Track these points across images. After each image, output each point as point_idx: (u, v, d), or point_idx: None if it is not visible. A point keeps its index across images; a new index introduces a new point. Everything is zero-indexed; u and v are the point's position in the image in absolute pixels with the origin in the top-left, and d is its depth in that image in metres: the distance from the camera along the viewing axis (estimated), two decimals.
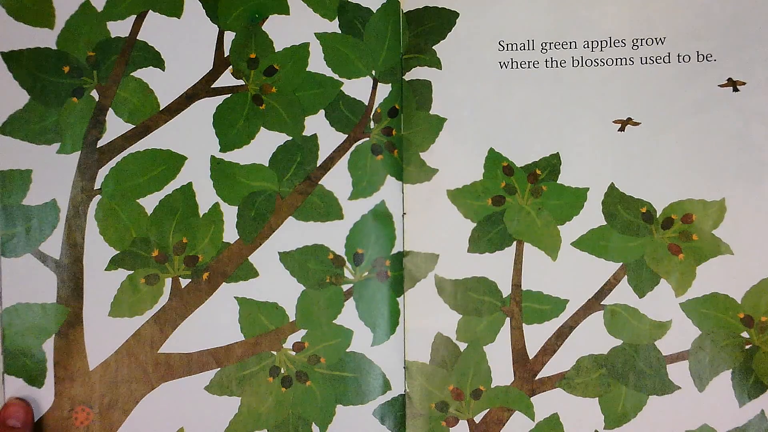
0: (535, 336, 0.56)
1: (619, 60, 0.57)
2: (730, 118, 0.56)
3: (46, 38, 0.57)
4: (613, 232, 0.56)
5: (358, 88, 0.58)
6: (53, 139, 0.57)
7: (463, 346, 0.56)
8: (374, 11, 0.58)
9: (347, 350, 0.57)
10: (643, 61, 0.57)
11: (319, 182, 0.58)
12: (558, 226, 0.57)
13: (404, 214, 0.57)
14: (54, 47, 0.57)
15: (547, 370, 0.56)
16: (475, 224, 0.57)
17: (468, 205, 0.57)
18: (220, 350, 0.57)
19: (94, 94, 0.58)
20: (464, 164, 0.57)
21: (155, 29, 0.58)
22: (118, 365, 0.56)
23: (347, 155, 0.58)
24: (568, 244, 0.56)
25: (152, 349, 0.57)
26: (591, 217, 0.56)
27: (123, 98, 0.58)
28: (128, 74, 0.58)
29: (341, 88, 0.58)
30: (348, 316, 0.57)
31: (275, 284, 0.57)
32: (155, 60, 0.58)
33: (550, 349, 0.56)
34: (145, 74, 0.58)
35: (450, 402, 0.56)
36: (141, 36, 0.58)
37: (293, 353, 0.57)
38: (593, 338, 0.56)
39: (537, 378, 0.56)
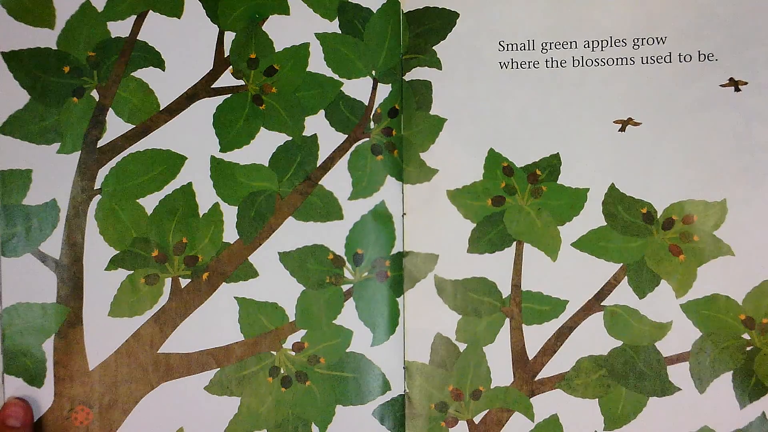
0: (535, 337, 0.56)
1: (619, 60, 0.57)
2: (732, 119, 0.56)
3: (46, 38, 0.57)
4: (613, 232, 0.56)
5: (358, 88, 0.58)
6: (53, 139, 0.57)
7: (462, 346, 0.56)
8: (374, 11, 0.58)
9: (347, 350, 0.57)
10: (644, 60, 0.57)
11: (319, 182, 0.58)
12: (558, 227, 0.56)
13: (404, 214, 0.57)
14: (54, 47, 0.57)
15: (547, 371, 0.56)
16: (475, 224, 0.57)
17: (468, 205, 0.57)
18: (219, 350, 0.57)
19: (94, 94, 0.58)
20: (464, 164, 0.57)
21: (155, 29, 0.58)
22: (118, 365, 0.57)
23: (347, 155, 0.58)
24: (568, 245, 0.56)
25: (152, 349, 0.57)
26: (591, 217, 0.56)
27: (123, 98, 0.58)
28: (128, 74, 0.58)
29: (341, 89, 0.58)
30: (348, 316, 0.57)
31: (275, 284, 0.57)
32: (155, 60, 0.58)
33: (549, 349, 0.56)
34: (145, 74, 0.58)
35: (449, 402, 0.56)
36: (141, 36, 0.58)
37: (293, 353, 0.57)
38: (593, 339, 0.56)
39: (537, 379, 0.56)
